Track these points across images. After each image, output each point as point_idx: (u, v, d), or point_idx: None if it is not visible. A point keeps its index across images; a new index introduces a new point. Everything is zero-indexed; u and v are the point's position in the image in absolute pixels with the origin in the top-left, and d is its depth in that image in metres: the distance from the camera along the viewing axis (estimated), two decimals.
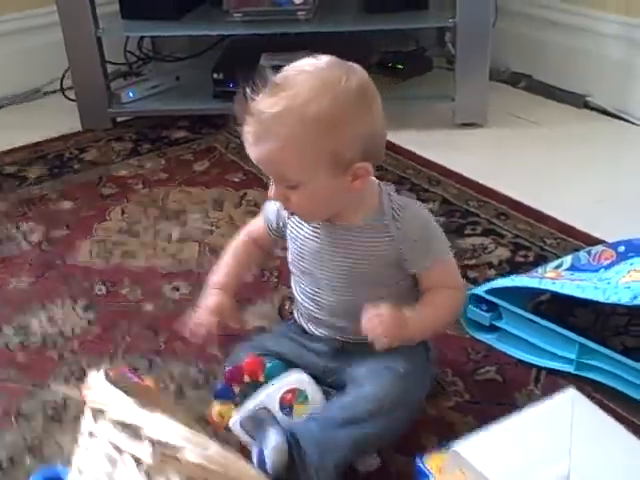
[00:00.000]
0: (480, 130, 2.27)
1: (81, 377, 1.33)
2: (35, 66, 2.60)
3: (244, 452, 1.09)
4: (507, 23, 2.45)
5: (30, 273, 1.71)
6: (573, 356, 1.32)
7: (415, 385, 1.17)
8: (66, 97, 2.47)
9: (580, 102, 2.40)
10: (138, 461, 0.86)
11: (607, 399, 1.25)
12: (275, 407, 1.14)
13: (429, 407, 1.27)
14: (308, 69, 1.07)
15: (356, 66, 1.10)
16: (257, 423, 1.13)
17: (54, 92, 2.58)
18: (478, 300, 1.43)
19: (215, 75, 2.33)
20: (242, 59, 2.29)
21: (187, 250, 1.77)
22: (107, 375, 0.95)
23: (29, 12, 2.59)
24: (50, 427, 1.28)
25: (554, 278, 1.41)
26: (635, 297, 1.26)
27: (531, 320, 1.37)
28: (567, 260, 1.47)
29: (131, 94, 2.40)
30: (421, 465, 1.10)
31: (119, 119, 2.43)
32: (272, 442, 1.07)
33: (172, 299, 1.59)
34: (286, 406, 1.14)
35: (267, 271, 1.63)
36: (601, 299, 1.29)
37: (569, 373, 1.33)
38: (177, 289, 1.62)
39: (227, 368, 1.22)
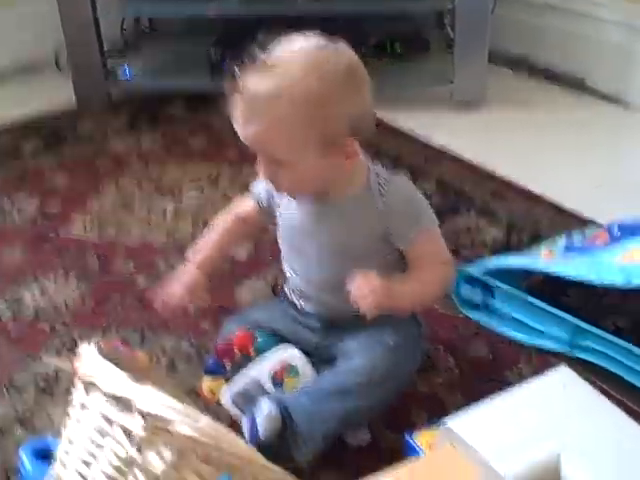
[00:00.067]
0: (478, 112, 2.27)
1: (73, 349, 1.32)
2: (30, 40, 2.58)
3: (235, 427, 1.09)
4: (506, 8, 2.44)
5: (24, 246, 1.70)
6: (566, 336, 1.33)
7: (405, 358, 1.18)
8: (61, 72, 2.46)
9: (579, 86, 2.39)
10: (129, 433, 0.86)
11: (599, 380, 1.25)
12: (266, 381, 1.15)
13: (420, 383, 1.28)
14: (297, 48, 1.07)
15: (344, 46, 1.09)
16: (248, 398, 1.13)
17: (50, 67, 2.57)
18: (471, 279, 1.43)
19: (212, 53, 2.31)
20: (239, 38, 2.28)
21: (182, 225, 1.76)
22: (99, 348, 0.95)
23: None
24: (41, 399, 1.28)
25: (548, 258, 1.41)
26: (629, 280, 1.26)
27: (524, 300, 1.38)
28: (561, 241, 1.47)
29: (128, 71, 2.38)
30: (411, 441, 1.10)
31: (115, 95, 2.41)
32: (265, 410, 1.08)
33: (166, 274, 1.58)
34: (277, 380, 1.15)
35: (261, 247, 1.63)
36: (595, 281, 1.29)
37: (560, 353, 1.33)
38: (171, 264, 1.62)
39: (218, 343, 1.22)
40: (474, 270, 1.43)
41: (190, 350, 1.38)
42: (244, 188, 1.32)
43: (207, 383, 1.19)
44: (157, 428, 0.85)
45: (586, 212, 1.73)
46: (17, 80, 2.57)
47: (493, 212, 1.77)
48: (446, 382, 1.30)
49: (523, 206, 1.79)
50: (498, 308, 1.41)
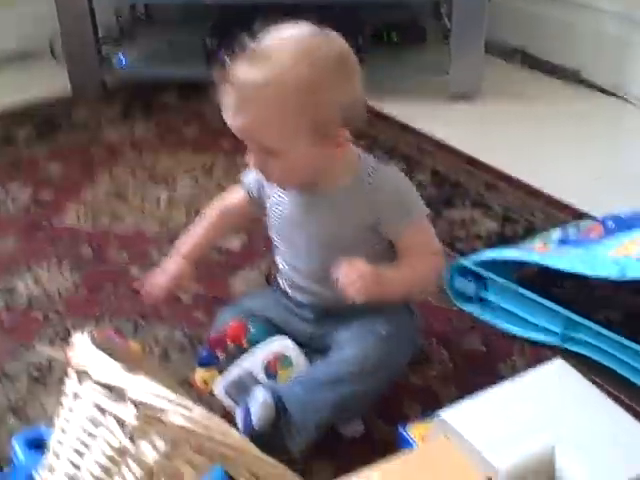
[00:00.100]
0: (474, 103, 2.26)
1: (66, 339, 1.32)
2: (25, 27, 2.56)
3: (228, 418, 1.09)
4: None
5: (17, 235, 1.70)
6: (558, 329, 1.33)
7: (398, 348, 1.18)
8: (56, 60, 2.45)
9: (576, 78, 2.39)
10: (122, 423, 0.86)
11: (592, 373, 1.25)
12: (259, 372, 1.15)
13: (414, 376, 1.28)
14: (287, 36, 1.07)
15: (335, 34, 1.09)
16: (241, 389, 1.13)
17: (45, 54, 2.55)
18: (465, 271, 1.43)
19: (208, 41, 2.30)
20: (235, 26, 2.27)
21: (175, 215, 1.76)
22: (92, 337, 0.94)
23: None
24: (34, 388, 1.28)
25: (542, 251, 1.41)
26: (623, 273, 1.26)
27: (516, 292, 1.38)
28: (555, 233, 1.47)
29: (123, 58, 2.37)
30: (404, 433, 1.10)
31: (110, 83, 2.40)
32: (260, 398, 1.08)
33: (159, 263, 1.58)
34: (271, 371, 1.15)
35: (255, 238, 1.63)
36: (589, 273, 1.29)
37: (553, 346, 1.33)
38: (164, 253, 1.61)
39: (211, 334, 1.22)
40: (468, 262, 1.42)
41: (183, 340, 1.38)
42: (238, 178, 1.31)
43: (200, 374, 1.19)
44: (150, 417, 0.84)
45: (585, 204, 1.72)
46: (12, 67, 2.56)
47: (488, 204, 1.77)
48: (440, 375, 1.30)
49: (518, 198, 1.79)
50: (491, 300, 1.41)
